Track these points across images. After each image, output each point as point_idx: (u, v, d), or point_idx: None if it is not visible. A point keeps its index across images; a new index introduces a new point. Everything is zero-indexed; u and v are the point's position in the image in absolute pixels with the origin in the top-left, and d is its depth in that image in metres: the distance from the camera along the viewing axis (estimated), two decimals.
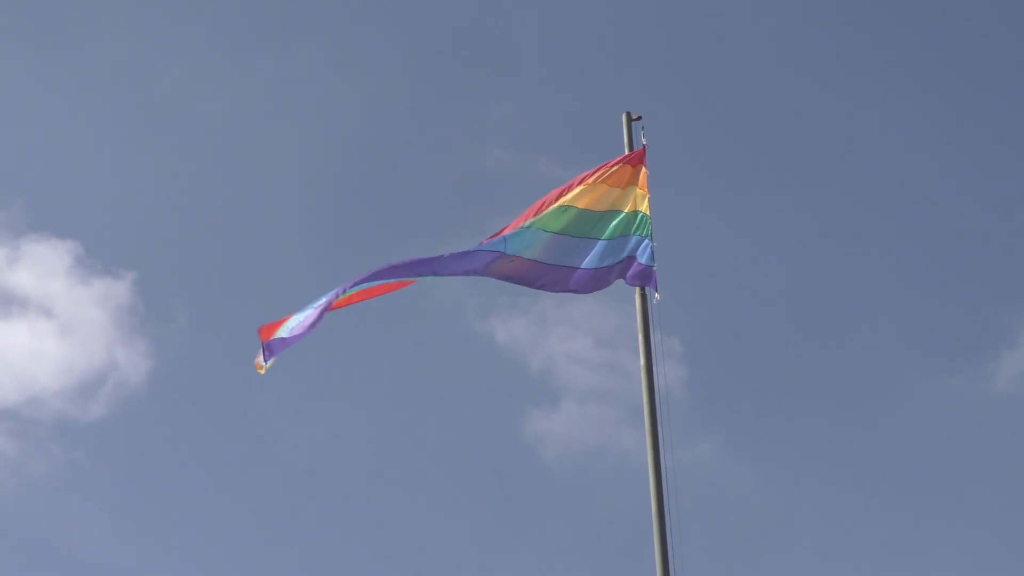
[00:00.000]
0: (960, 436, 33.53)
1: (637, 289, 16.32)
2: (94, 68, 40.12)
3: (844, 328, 35.84)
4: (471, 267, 16.51)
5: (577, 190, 17.03)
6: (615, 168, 17.06)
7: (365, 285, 16.26)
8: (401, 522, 31.95)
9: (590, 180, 17.06)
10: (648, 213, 16.68)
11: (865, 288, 36.71)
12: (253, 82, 40.38)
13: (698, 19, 40.51)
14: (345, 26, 40.88)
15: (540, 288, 16.83)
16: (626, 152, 17.10)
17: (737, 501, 31.46)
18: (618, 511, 29.88)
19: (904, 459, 32.85)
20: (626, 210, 16.84)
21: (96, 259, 36.01)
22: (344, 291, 16.13)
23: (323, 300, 16.16)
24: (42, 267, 35.80)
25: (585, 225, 16.85)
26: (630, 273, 16.47)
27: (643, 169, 16.97)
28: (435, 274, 16.41)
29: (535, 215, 16.97)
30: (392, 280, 16.37)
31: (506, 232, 16.84)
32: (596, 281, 16.62)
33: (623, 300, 16.87)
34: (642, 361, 15.85)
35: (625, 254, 16.59)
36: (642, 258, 16.45)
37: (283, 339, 16.17)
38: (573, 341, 34.91)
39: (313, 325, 16.09)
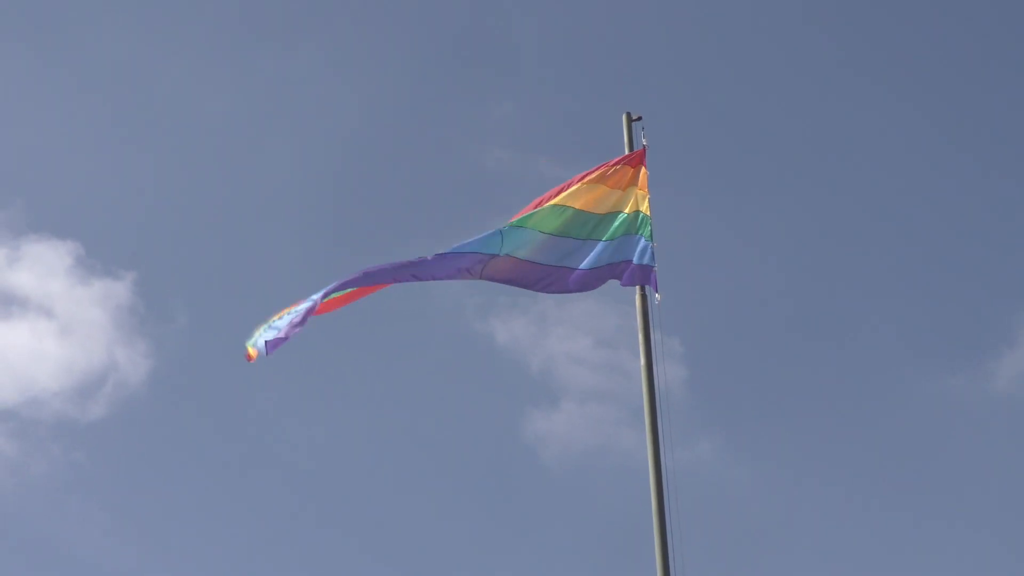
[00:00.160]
0: (960, 436, 33.56)
1: (637, 289, 16.32)
2: (94, 68, 40.17)
3: (844, 328, 35.87)
4: (456, 269, 16.47)
5: (575, 188, 17.01)
6: (615, 169, 17.05)
7: (348, 289, 16.21)
8: (401, 522, 31.98)
9: (588, 179, 17.05)
10: (648, 214, 16.68)
11: (865, 288, 36.75)
12: (253, 82, 40.42)
13: (698, 19, 40.54)
14: (345, 26, 40.92)
15: (539, 290, 16.83)
16: (626, 152, 17.10)
17: (737, 501, 31.49)
18: (618, 511, 29.90)
19: (904, 459, 32.87)
20: (626, 211, 16.84)
21: (96, 259, 36.04)
22: (326, 295, 16.06)
23: (307, 304, 16.08)
24: (42, 267, 35.82)
25: (585, 226, 16.83)
26: (626, 275, 16.48)
27: (643, 170, 16.97)
28: (416, 278, 16.38)
29: (531, 211, 16.94)
30: (371, 285, 16.35)
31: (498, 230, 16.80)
32: (592, 280, 16.62)
33: (623, 300, 16.89)
34: (642, 361, 15.85)
35: (621, 256, 16.58)
36: (642, 259, 16.44)
37: (278, 339, 16.07)
38: (573, 341, 34.93)
39: (297, 326, 16.03)
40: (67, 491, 32.79)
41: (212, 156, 38.95)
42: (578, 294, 16.95)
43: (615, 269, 16.57)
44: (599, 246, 16.72)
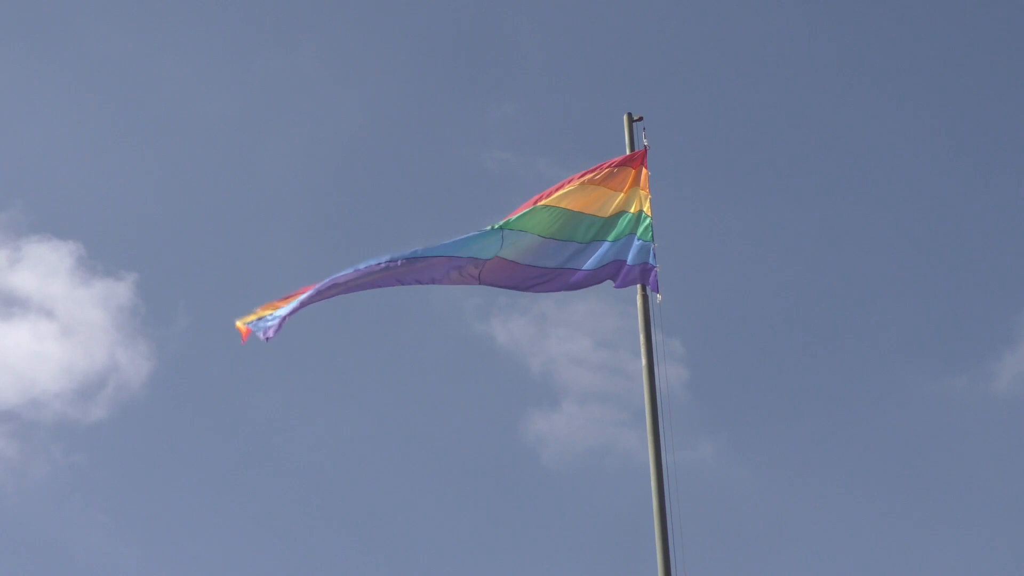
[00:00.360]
0: (961, 437, 33.54)
1: (638, 290, 16.31)
2: (94, 68, 40.16)
3: (845, 329, 35.85)
4: (445, 274, 16.47)
5: (573, 189, 16.98)
6: (616, 170, 17.04)
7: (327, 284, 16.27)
8: (402, 523, 31.96)
9: (587, 180, 17.03)
10: (650, 214, 16.66)
11: (866, 289, 36.73)
12: (254, 83, 40.42)
13: (699, 20, 40.53)
14: (345, 26, 40.92)
15: (538, 291, 16.83)
16: (627, 152, 17.08)
17: (738, 502, 31.46)
18: (619, 512, 29.88)
19: (905, 460, 32.86)
20: (632, 211, 16.82)
21: (97, 260, 36.03)
22: (317, 291, 16.15)
23: (292, 306, 16.14)
24: (43, 268, 35.80)
25: (590, 229, 16.81)
26: (620, 276, 16.47)
27: (644, 170, 16.95)
28: (400, 282, 16.39)
29: (526, 210, 16.92)
30: (344, 292, 16.40)
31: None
32: (590, 279, 16.64)
33: (624, 301, 16.87)
34: (643, 362, 15.84)
35: (618, 257, 16.57)
36: (638, 260, 16.41)
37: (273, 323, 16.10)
38: (573, 342, 34.92)
39: (284, 318, 16.11)
40: (68, 492, 32.79)
41: (213, 156, 38.98)
42: (578, 295, 16.98)
43: (611, 270, 16.56)
44: (604, 246, 16.72)
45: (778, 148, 39.15)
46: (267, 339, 16.01)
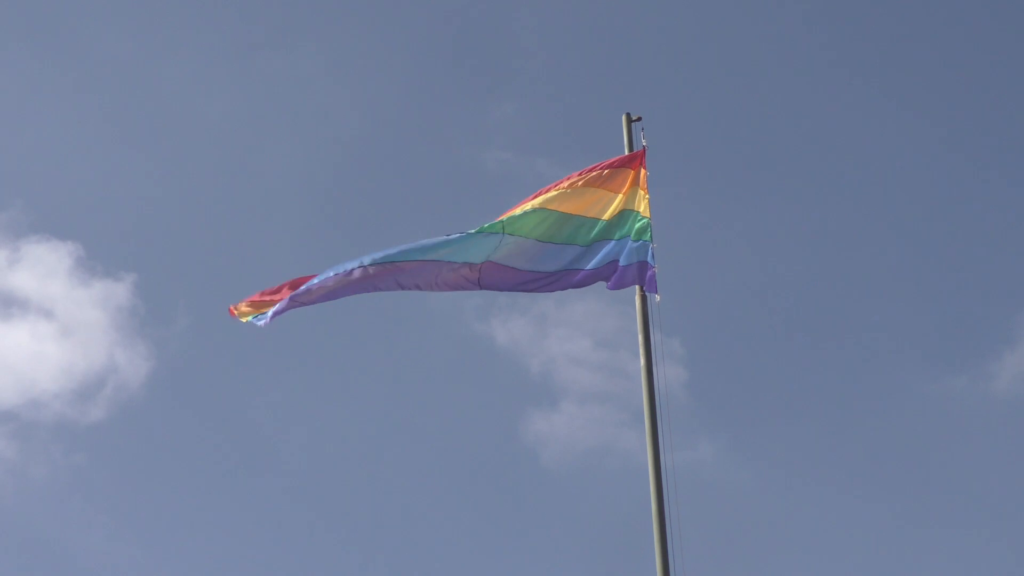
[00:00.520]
0: (961, 437, 33.53)
1: (637, 290, 16.30)
2: (94, 69, 40.17)
3: (845, 329, 35.85)
4: (437, 279, 16.50)
5: (569, 191, 16.97)
6: (613, 171, 17.02)
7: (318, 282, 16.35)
8: (401, 523, 31.95)
9: (583, 182, 17.01)
10: (648, 215, 16.65)
11: (865, 289, 36.72)
12: (253, 83, 40.42)
13: (698, 20, 40.53)
14: (345, 27, 40.92)
15: (538, 292, 16.85)
16: (626, 153, 17.07)
17: (737, 502, 31.45)
18: (618, 512, 29.86)
19: (905, 460, 32.85)
20: (638, 209, 16.80)
21: (96, 261, 36.02)
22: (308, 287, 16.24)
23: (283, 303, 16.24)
24: (42, 269, 35.79)
25: (588, 231, 16.80)
26: (614, 277, 16.47)
27: (643, 171, 16.94)
28: (401, 287, 16.46)
29: (521, 210, 16.90)
30: (348, 293, 16.48)
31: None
32: (587, 279, 16.65)
33: (623, 301, 16.86)
34: (642, 362, 15.83)
35: (613, 258, 16.56)
36: (633, 259, 16.41)
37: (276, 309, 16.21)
38: (573, 342, 34.91)
39: (280, 312, 16.21)
40: (67, 493, 32.79)
41: (212, 157, 38.98)
42: (578, 295, 17.01)
43: (606, 271, 16.55)
44: (608, 245, 16.71)
45: (777, 148, 39.18)
46: (263, 324, 16.19)
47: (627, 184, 16.92)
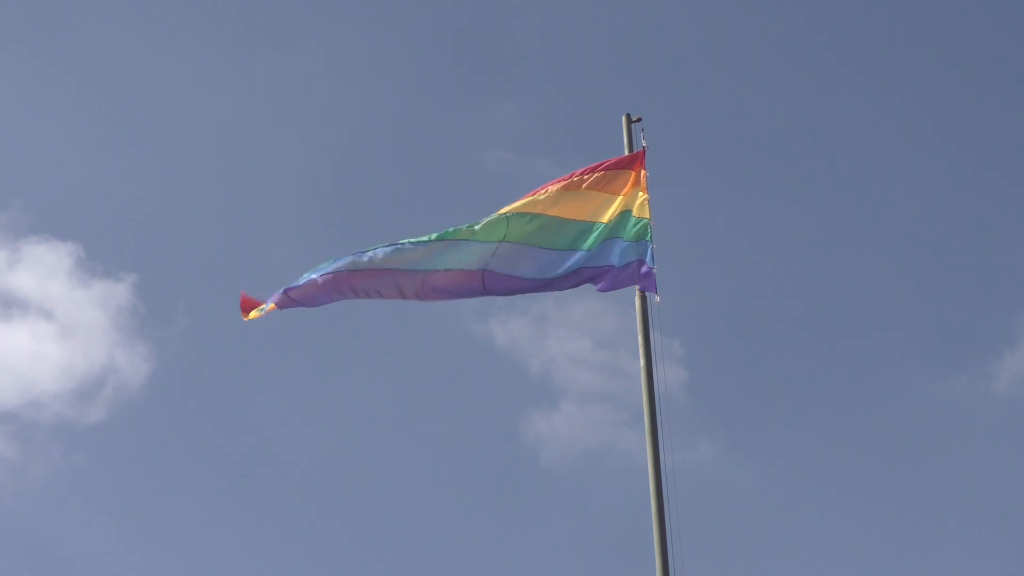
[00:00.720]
0: (961, 437, 33.54)
1: (637, 290, 16.30)
2: (94, 69, 40.18)
3: (845, 329, 35.86)
4: (432, 289, 16.56)
5: (568, 195, 16.96)
6: (613, 173, 17.02)
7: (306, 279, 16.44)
8: (401, 523, 31.96)
9: (583, 186, 16.99)
10: (647, 215, 16.64)
11: (865, 289, 36.73)
12: (254, 84, 40.43)
13: (698, 20, 40.54)
14: (345, 27, 40.93)
15: (543, 292, 16.89)
16: (626, 153, 17.07)
17: (737, 502, 31.46)
18: (618, 513, 29.87)
19: (905, 460, 32.86)
20: (634, 211, 16.80)
21: (97, 261, 36.03)
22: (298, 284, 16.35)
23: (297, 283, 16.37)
24: (42, 269, 35.80)
25: (588, 234, 16.80)
26: (608, 278, 16.46)
27: (643, 171, 16.94)
28: (403, 296, 16.52)
29: (521, 213, 16.90)
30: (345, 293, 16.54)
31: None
32: (582, 280, 16.67)
33: (623, 301, 16.86)
34: (642, 362, 15.83)
35: (608, 259, 16.56)
36: (626, 260, 16.41)
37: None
38: (573, 342, 34.92)
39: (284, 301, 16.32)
40: (67, 494, 32.80)
41: (212, 158, 38.99)
42: (578, 295, 17.01)
43: (600, 272, 16.55)
44: (606, 247, 16.71)
45: (777, 148, 39.19)
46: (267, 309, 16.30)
47: (628, 186, 16.92)
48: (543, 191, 17.02)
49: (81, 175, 38.63)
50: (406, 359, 35.17)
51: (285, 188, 38.30)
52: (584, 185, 16.98)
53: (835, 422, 33.72)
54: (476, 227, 16.72)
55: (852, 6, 40.68)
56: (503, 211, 16.90)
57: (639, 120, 17.18)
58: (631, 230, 16.56)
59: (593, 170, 17.06)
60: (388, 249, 16.53)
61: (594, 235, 16.74)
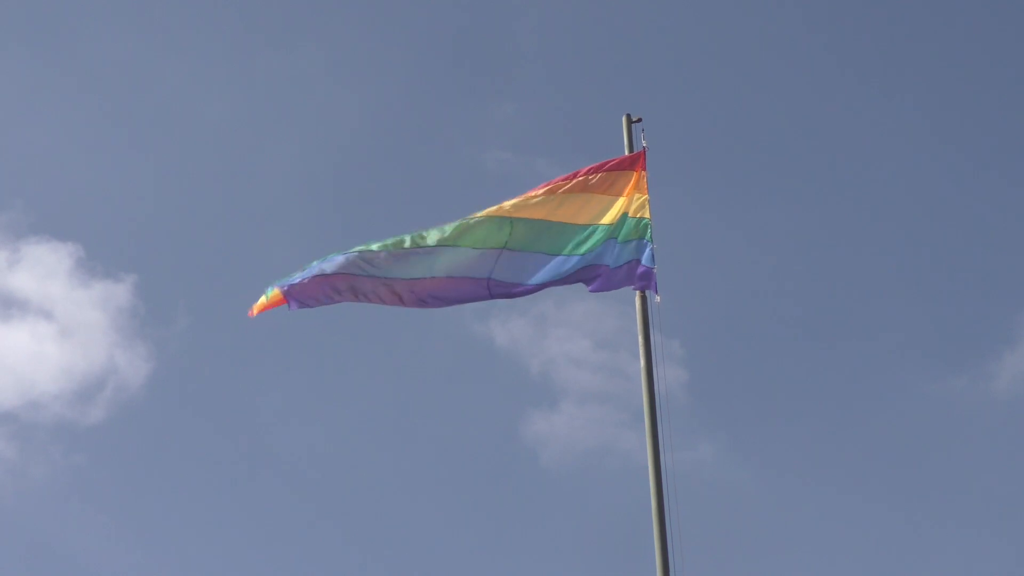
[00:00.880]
0: (961, 437, 33.54)
1: (637, 291, 16.29)
2: (94, 69, 40.18)
3: (845, 329, 35.86)
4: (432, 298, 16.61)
5: (567, 197, 16.96)
6: (616, 175, 17.01)
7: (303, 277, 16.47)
8: (401, 523, 31.96)
9: (585, 188, 16.99)
10: (646, 216, 16.64)
11: (865, 289, 36.74)
12: (254, 84, 40.43)
13: (698, 21, 40.54)
14: (345, 27, 40.93)
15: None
16: (626, 154, 17.07)
17: (737, 503, 31.46)
18: (618, 513, 29.88)
19: (905, 460, 32.86)
20: (630, 212, 16.79)
21: (97, 262, 36.02)
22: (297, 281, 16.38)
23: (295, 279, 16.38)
24: (42, 269, 35.80)
25: (588, 238, 16.80)
26: (601, 279, 16.46)
27: (643, 172, 16.94)
28: (424, 305, 16.58)
29: (522, 217, 16.90)
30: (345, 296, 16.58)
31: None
32: (579, 280, 16.69)
33: (623, 302, 16.87)
34: (642, 363, 15.83)
35: (604, 260, 16.56)
36: (622, 260, 16.41)
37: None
38: (573, 343, 34.91)
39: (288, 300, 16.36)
40: (67, 494, 32.80)
41: (212, 158, 38.99)
42: (577, 295, 17.00)
43: (595, 272, 16.54)
44: (605, 248, 16.71)
45: (777, 149, 39.20)
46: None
47: (628, 187, 16.92)
48: (543, 191, 17.01)
49: (81, 175, 38.67)
50: (406, 359, 35.19)
51: (285, 188, 38.33)
52: (587, 187, 16.98)
53: (835, 422, 33.75)
54: (426, 234, 16.83)
55: (852, 6, 40.71)
56: (505, 210, 16.89)
57: (639, 120, 17.18)
58: (627, 231, 16.56)
59: (596, 170, 17.05)
60: (359, 255, 16.63)
61: (595, 238, 16.73)
